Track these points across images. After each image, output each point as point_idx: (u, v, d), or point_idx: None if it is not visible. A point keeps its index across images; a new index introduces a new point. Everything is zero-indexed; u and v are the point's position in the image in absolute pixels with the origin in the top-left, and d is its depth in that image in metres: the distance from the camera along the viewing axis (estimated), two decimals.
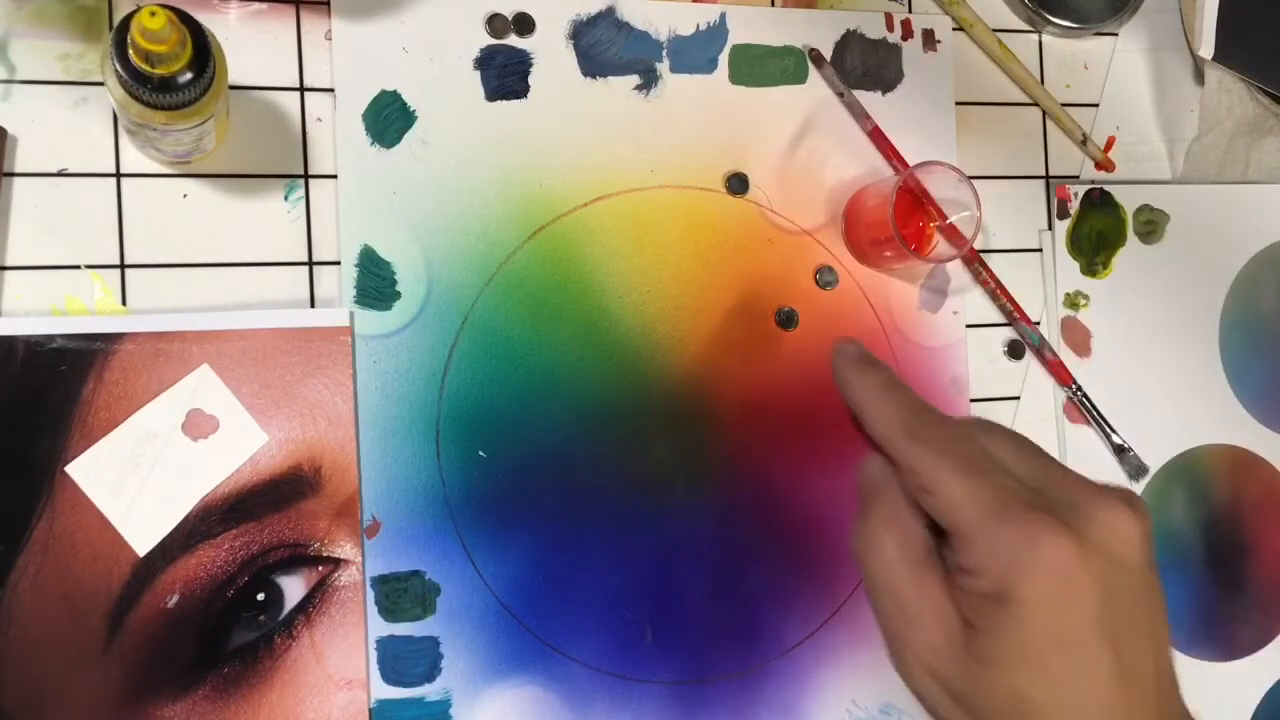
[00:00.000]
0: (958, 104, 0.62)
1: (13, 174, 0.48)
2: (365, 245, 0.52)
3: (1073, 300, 0.62)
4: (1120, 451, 0.62)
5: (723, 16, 0.58)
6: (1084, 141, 0.64)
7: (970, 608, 0.46)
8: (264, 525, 0.49)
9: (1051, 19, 0.63)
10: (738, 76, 0.58)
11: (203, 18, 0.43)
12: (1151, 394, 0.64)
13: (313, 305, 0.52)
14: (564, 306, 0.55)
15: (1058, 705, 0.44)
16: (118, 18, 0.49)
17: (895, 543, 0.50)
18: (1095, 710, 0.44)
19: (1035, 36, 0.64)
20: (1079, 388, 0.61)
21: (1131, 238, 0.64)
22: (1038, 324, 0.62)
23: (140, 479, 0.48)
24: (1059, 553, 0.44)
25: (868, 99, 0.59)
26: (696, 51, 0.57)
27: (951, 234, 0.58)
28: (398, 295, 0.52)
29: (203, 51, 0.42)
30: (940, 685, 0.48)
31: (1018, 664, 0.44)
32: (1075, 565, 0.44)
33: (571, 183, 0.55)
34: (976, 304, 0.61)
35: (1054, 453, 0.63)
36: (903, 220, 0.57)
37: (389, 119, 0.53)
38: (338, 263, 0.52)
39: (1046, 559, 0.44)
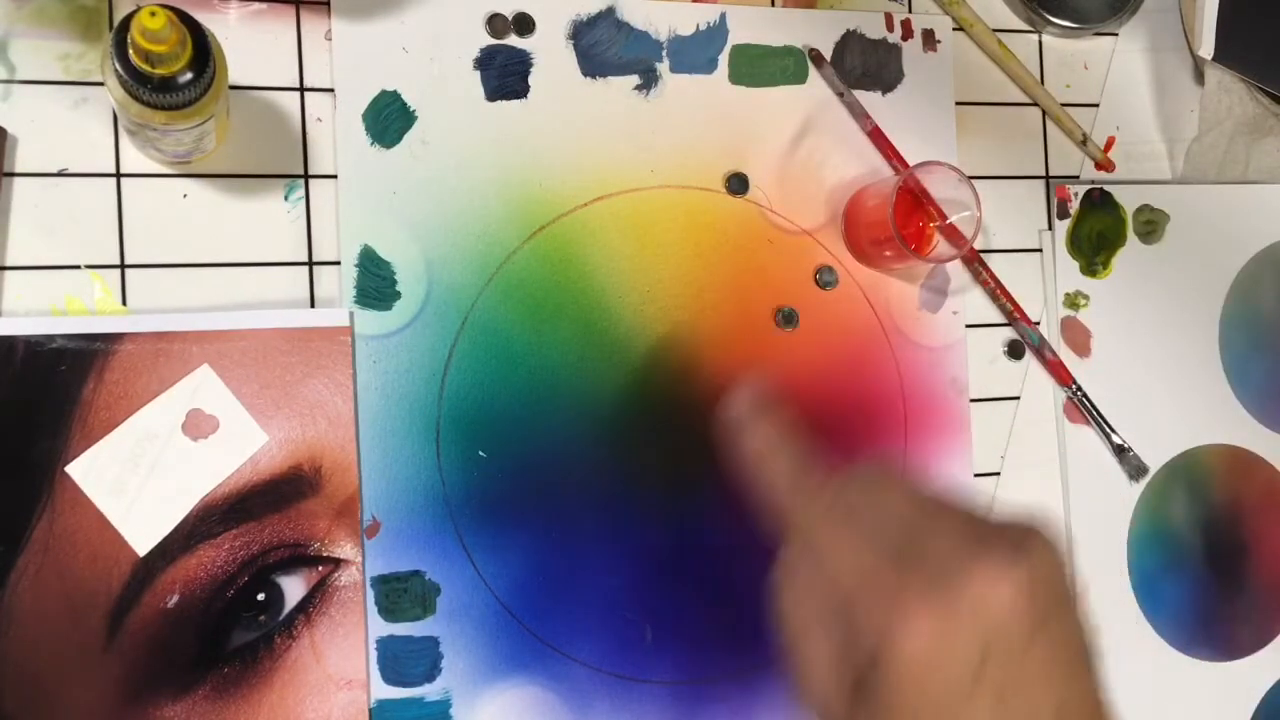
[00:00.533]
0: (958, 104, 0.62)
1: (13, 174, 0.48)
2: (365, 245, 0.52)
3: (1073, 300, 0.62)
4: (1120, 451, 0.62)
5: (723, 16, 0.58)
6: (1084, 141, 0.64)
7: (853, 665, 0.46)
8: (264, 525, 0.49)
9: (1051, 19, 0.63)
10: (738, 76, 0.58)
11: (203, 18, 0.43)
12: (1151, 394, 0.64)
13: (313, 305, 0.52)
14: (564, 306, 0.55)
15: None
16: (118, 18, 0.49)
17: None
18: None
19: (1035, 36, 0.64)
20: (1079, 388, 0.61)
21: (1131, 238, 0.64)
22: (1038, 324, 0.62)
23: (140, 479, 0.48)
24: (925, 624, 0.43)
25: (868, 99, 0.59)
26: (696, 51, 0.57)
27: (951, 234, 0.58)
28: (398, 295, 0.52)
29: (203, 51, 0.42)
30: None
31: None
32: (943, 634, 0.43)
33: (571, 183, 0.55)
34: (976, 304, 0.61)
35: (1054, 453, 0.63)
36: (903, 220, 0.57)
37: (389, 119, 0.53)
38: (338, 263, 0.52)
39: (915, 628, 0.43)
